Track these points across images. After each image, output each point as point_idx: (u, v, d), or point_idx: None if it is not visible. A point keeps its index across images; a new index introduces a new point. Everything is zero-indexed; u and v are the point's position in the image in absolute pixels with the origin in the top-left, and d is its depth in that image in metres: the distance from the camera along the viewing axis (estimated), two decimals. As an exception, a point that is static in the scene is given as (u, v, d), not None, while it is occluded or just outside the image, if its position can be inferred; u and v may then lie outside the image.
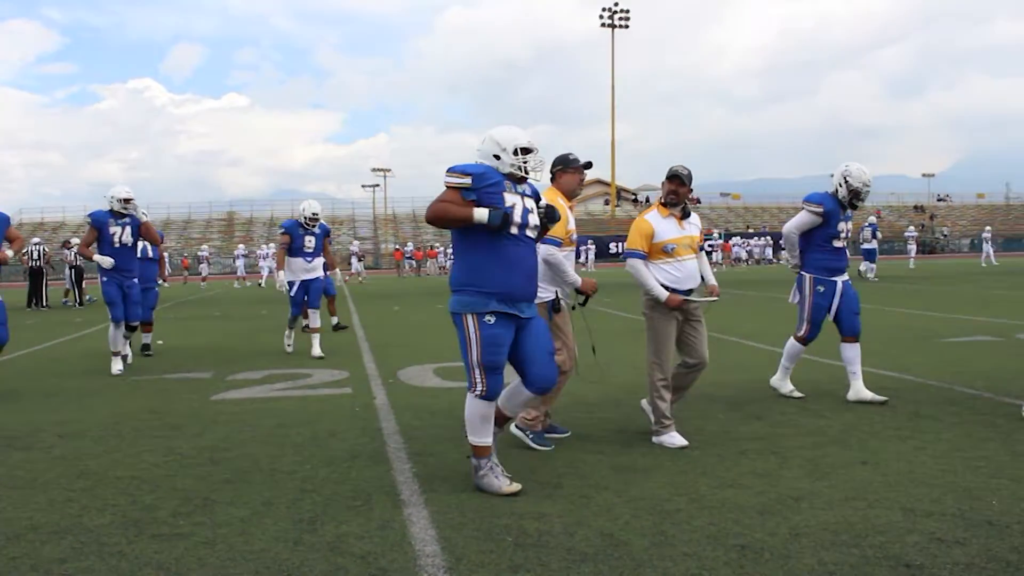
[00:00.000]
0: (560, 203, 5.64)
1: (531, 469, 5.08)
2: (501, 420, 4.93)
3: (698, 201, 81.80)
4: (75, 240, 25.69)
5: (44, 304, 23.34)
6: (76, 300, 24.53)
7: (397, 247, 59.21)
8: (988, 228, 43.73)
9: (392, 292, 29.01)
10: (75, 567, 3.68)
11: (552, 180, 5.89)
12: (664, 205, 5.95)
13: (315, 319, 11.11)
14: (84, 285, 25.60)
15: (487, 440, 4.74)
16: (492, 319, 4.60)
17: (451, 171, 4.62)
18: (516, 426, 5.98)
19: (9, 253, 8.30)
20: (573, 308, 5.85)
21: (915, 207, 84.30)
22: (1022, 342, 10.63)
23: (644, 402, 6.22)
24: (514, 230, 4.62)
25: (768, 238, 59.72)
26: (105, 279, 9.75)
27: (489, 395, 4.66)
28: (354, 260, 44.49)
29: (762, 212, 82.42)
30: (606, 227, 68.07)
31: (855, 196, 7.07)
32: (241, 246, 47.59)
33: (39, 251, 23.77)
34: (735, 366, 8.94)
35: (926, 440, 5.63)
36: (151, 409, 7.37)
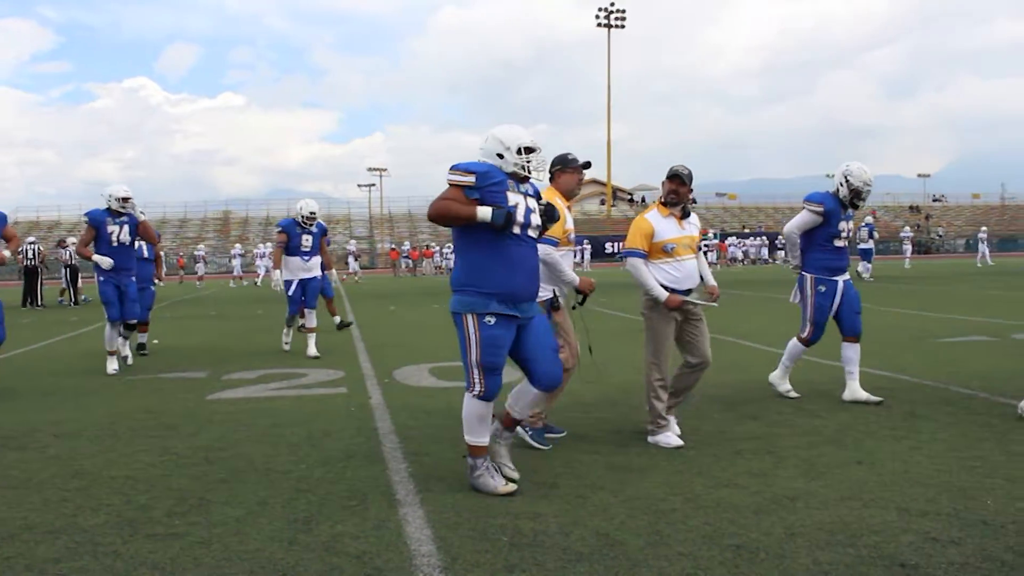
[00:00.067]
0: (558, 203, 5.64)
1: (527, 469, 5.07)
2: (510, 423, 4.92)
3: (694, 201, 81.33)
4: (72, 239, 25.65)
5: (39, 303, 23.31)
6: (72, 299, 24.49)
7: (393, 247, 59.18)
8: (984, 228, 43.78)
9: (388, 292, 29.00)
10: (70, 567, 3.67)
11: (551, 180, 5.88)
12: (664, 204, 5.94)
13: (311, 319, 11.08)
14: (80, 284, 25.56)
15: (484, 440, 4.73)
16: (492, 320, 4.58)
17: (454, 169, 4.60)
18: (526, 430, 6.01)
19: (6, 253, 8.26)
20: (573, 308, 5.84)
21: (910, 207, 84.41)
22: (1018, 342, 10.64)
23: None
24: (516, 230, 4.60)
25: (764, 238, 59.77)
26: (102, 279, 9.70)
27: (487, 396, 4.65)
28: (351, 259, 44.56)
29: (758, 212, 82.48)
30: (602, 227, 68.10)
31: (856, 195, 7.06)
32: (238, 245, 47.57)
33: (34, 250, 23.73)
34: (731, 366, 8.94)
35: (921, 440, 5.63)
36: (146, 409, 7.36)
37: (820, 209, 7.06)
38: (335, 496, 4.63)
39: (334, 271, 11.55)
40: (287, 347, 11.33)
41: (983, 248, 40.31)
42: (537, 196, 4.89)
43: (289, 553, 3.77)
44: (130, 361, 9.99)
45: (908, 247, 42.50)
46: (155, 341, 12.61)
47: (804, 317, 7.24)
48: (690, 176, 5.90)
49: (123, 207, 9.72)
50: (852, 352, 7.11)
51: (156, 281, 12.13)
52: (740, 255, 55.61)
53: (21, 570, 3.65)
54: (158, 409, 7.33)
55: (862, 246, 27.98)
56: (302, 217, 11.04)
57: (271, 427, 6.46)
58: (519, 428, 5.85)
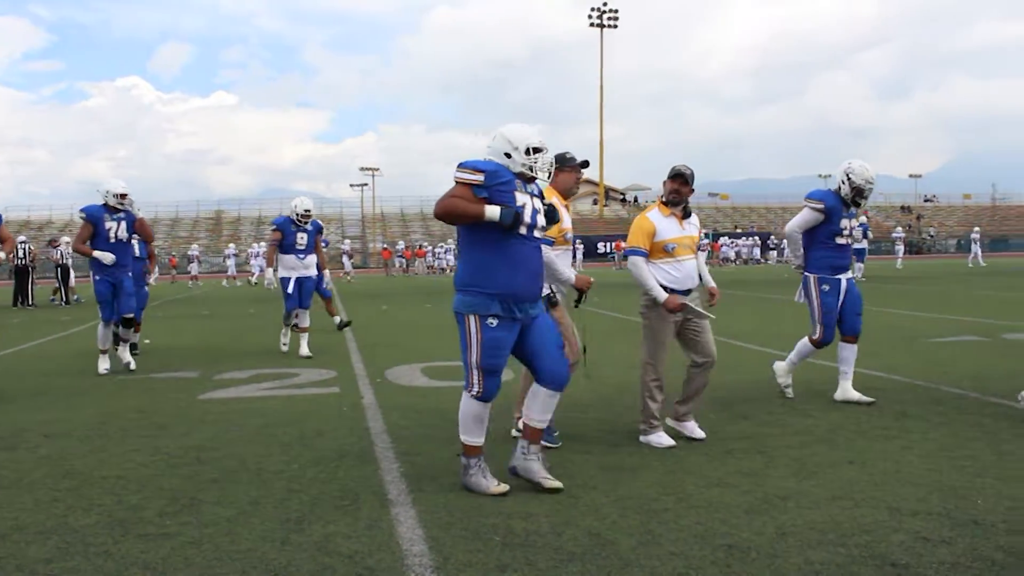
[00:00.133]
0: (556, 202, 5.64)
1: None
2: (535, 436, 4.76)
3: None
4: (65, 239, 25.58)
5: (30, 303, 23.23)
6: (63, 299, 24.42)
7: (385, 246, 59.12)
8: (977, 229, 43.92)
9: (380, 291, 28.97)
10: (61, 567, 3.66)
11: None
12: (665, 204, 5.92)
13: (304, 319, 11.04)
14: (73, 284, 25.50)
15: (479, 440, 4.72)
16: (495, 322, 4.55)
17: (463, 167, 4.57)
18: (518, 429, 6.00)
19: (0, 255, 8.17)
20: (576, 305, 5.82)
21: (902, 208, 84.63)
22: (1008, 342, 10.68)
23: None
24: (523, 230, 4.58)
25: (756, 238, 59.84)
26: (98, 277, 9.58)
27: (484, 397, 4.64)
28: (345, 259, 44.44)
29: (750, 212, 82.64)
30: (594, 227, 68.15)
31: (858, 193, 7.03)
32: (231, 245, 47.48)
33: (25, 249, 23.65)
34: (722, 366, 8.91)
35: (912, 440, 5.65)
36: (138, 408, 7.34)
37: (821, 207, 7.01)
38: (327, 496, 4.63)
39: (327, 272, 11.48)
40: (285, 348, 11.21)
41: (976, 248, 40.44)
42: (541, 196, 4.88)
43: (281, 553, 3.77)
44: (132, 366, 9.70)
45: (900, 247, 42.63)
46: (147, 341, 12.58)
47: (812, 319, 7.17)
48: (692, 176, 5.89)
49: (121, 203, 9.61)
50: (849, 352, 7.11)
51: (149, 281, 12.06)
52: (732, 255, 55.70)
53: (12, 570, 3.64)
54: (149, 409, 7.31)
55: (856, 246, 28.05)
56: (297, 215, 11.01)
57: (263, 427, 6.45)
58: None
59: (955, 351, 9.98)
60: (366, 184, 76.49)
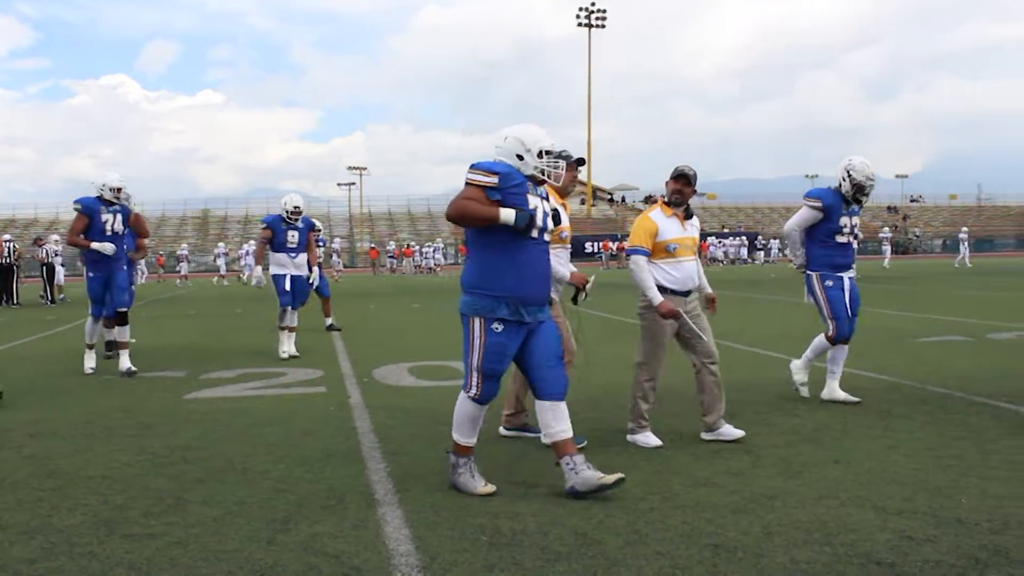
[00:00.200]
0: (554, 202, 5.63)
1: (506, 468, 5.08)
2: (568, 446, 4.61)
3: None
4: (55, 236, 25.42)
5: (15, 302, 23.11)
6: (48, 298, 24.29)
7: (372, 245, 59.04)
8: (965, 229, 44.14)
9: (368, 291, 28.93)
10: (45, 567, 3.64)
11: None
12: (668, 204, 5.89)
13: (292, 318, 10.95)
14: (61, 282, 25.38)
15: (471, 441, 4.71)
16: (500, 327, 4.51)
17: (476, 168, 4.51)
18: (505, 428, 6.00)
19: None
20: (576, 303, 5.79)
21: (888, 208, 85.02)
22: (993, 342, 10.74)
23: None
24: (534, 233, 4.55)
25: (744, 238, 60.01)
26: (91, 274, 9.45)
27: (482, 400, 4.61)
28: (335, 257, 44.44)
29: (737, 212, 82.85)
30: (582, 227, 68.20)
31: (859, 190, 6.95)
32: (221, 244, 47.37)
33: (9, 248, 23.52)
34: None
35: (898, 439, 5.67)
36: (123, 408, 7.31)
37: (819, 204, 6.95)
38: (314, 496, 4.62)
39: (316, 269, 11.29)
40: (285, 355, 10.63)
41: (964, 249, 40.68)
42: (548, 198, 4.84)
43: (267, 553, 3.76)
44: (134, 368, 9.35)
45: (887, 247, 42.82)
46: (132, 340, 12.51)
47: (823, 316, 7.05)
48: (695, 176, 5.86)
49: (116, 197, 9.47)
50: (839, 353, 7.09)
51: (136, 280, 11.96)
52: (720, 255, 55.83)
53: (-5, 571, 3.62)
54: (135, 408, 7.28)
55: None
56: (287, 212, 10.93)
57: (249, 427, 6.44)
58: (511, 431, 5.88)
59: (941, 351, 10.02)
60: (353, 183, 76.43)
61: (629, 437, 5.77)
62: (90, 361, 9.61)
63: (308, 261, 11.13)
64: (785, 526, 3.99)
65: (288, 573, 3.54)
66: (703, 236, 56.56)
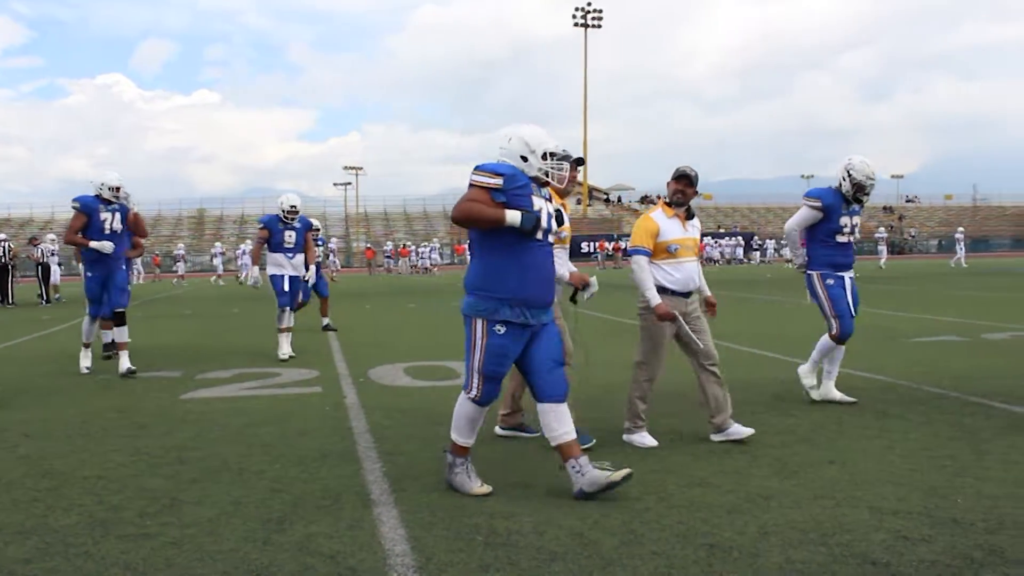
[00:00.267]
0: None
1: (501, 469, 5.08)
2: (573, 449, 4.58)
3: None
4: (51, 235, 25.36)
5: (11, 302, 23.07)
6: (43, 297, 24.24)
7: (368, 246, 59.01)
8: (961, 229, 44.24)
9: (363, 291, 28.92)
10: (40, 568, 3.64)
11: None
12: (669, 205, 5.88)
13: (290, 319, 10.87)
14: (57, 282, 25.33)
15: (468, 441, 4.70)
16: (502, 329, 4.49)
17: (480, 170, 4.48)
18: (501, 427, 5.99)
19: None
20: (572, 302, 5.78)
21: (884, 208, 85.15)
22: (988, 342, 10.75)
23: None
24: (539, 235, 4.52)
25: (739, 238, 60.07)
26: (91, 274, 9.36)
27: (482, 402, 4.60)
28: (331, 257, 44.51)
29: (733, 212, 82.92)
30: (577, 227, 68.25)
31: (859, 190, 6.90)
32: (218, 244, 47.34)
33: (5, 248, 23.48)
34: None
35: (894, 439, 5.68)
36: (119, 408, 7.30)
37: (818, 204, 6.92)
38: (309, 496, 4.62)
39: (313, 268, 11.14)
40: (284, 356, 10.50)
41: (960, 249, 40.77)
42: (551, 199, 4.81)
43: (263, 553, 3.76)
44: (134, 368, 9.25)
45: (883, 247, 42.90)
46: (128, 340, 12.49)
47: (825, 315, 7.00)
48: (697, 177, 5.85)
49: (115, 196, 9.38)
50: (838, 354, 7.08)
51: (131, 280, 11.91)
52: (716, 255, 55.88)
53: (-10, 571, 3.62)
54: (131, 408, 7.28)
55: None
56: (283, 211, 10.87)
57: (245, 427, 6.43)
58: (506, 430, 5.88)
59: (936, 351, 10.04)
60: (349, 183, 76.40)
61: (625, 437, 5.77)
62: (86, 360, 9.58)
63: (306, 261, 11.03)
64: (781, 526, 3.99)
65: (283, 573, 3.54)
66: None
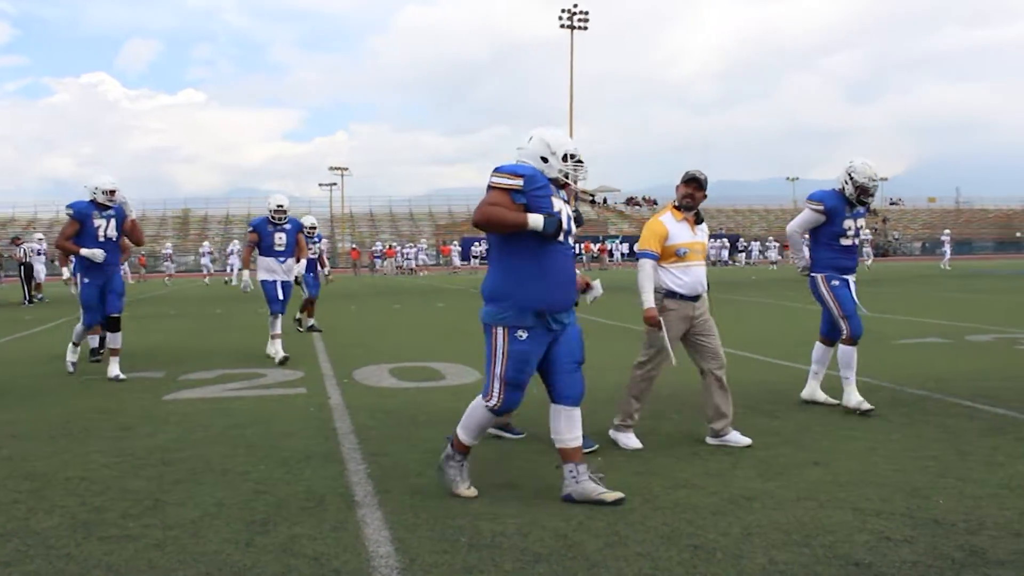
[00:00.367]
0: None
1: (486, 470, 5.07)
2: (575, 455, 4.56)
3: (655, 203, 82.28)
4: (37, 235, 25.18)
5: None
6: (26, 298, 24.09)
7: (354, 246, 58.87)
8: (947, 231, 44.54)
9: (348, 292, 28.86)
10: (21, 570, 3.61)
11: None
12: (678, 208, 5.87)
13: (277, 326, 10.66)
14: (42, 280, 25.19)
15: (473, 443, 4.67)
16: (524, 335, 4.42)
17: (500, 171, 4.42)
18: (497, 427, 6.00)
19: None
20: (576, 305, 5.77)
21: (869, 210, 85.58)
22: (971, 344, 10.82)
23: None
24: (560, 237, 4.46)
25: (725, 240, 60.20)
26: (87, 280, 9.09)
27: (501, 410, 4.53)
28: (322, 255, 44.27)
29: (719, 214, 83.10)
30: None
31: (863, 192, 6.81)
32: (206, 243, 47.16)
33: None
34: (687, 368, 8.98)
35: (877, 441, 5.70)
36: (102, 409, 7.26)
37: (820, 207, 6.83)
38: (293, 497, 4.60)
39: (301, 264, 10.93)
40: (278, 357, 10.29)
41: (947, 250, 41.12)
42: (568, 201, 4.76)
43: (246, 555, 3.74)
44: (123, 376, 9.02)
45: (869, 250, 43.18)
46: (120, 346, 12.41)
47: (835, 317, 6.86)
48: (706, 181, 5.84)
49: (110, 200, 9.17)
50: (826, 355, 7.08)
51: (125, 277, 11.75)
52: (701, 257, 55.95)
53: (-30, 573, 3.59)
54: (114, 409, 7.24)
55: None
56: (271, 212, 10.72)
57: (229, 428, 6.41)
58: (497, 430, 5.87)
59: (920, 353, 10.09)
60: (335, 184, 76.23)
61: (611, 433, 5.78)
62: (72, 356, 9.43)
63: (297, 259, 10.86)
64: (764, 527, 4.00)
65: (267, 575, 3.53)
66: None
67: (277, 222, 10.72)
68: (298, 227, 11.04)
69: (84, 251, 8.93)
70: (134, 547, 3.86)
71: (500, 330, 4.45)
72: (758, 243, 61.73)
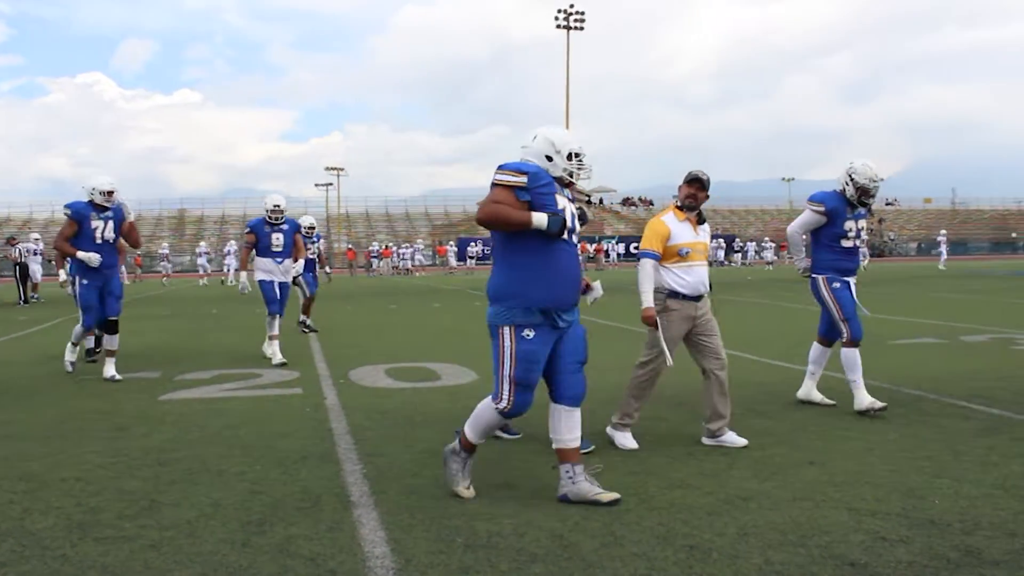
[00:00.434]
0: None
1: (482, 470, 5.06)
2: (572, 456, 4.57)
3: (651, 203, 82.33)
4: (34, 235, 25.12)
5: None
6: (21, 298, 24.04)
7: (350, 246, 58.83)
8: (943, 232, 44.63)
9: (344, 292, 28.84)
10: (16, 571, 3.61)
11: None
12: (680, 208, 5.87)
13: (275, 327, 10.61)
14: (39, 280, 25.14)
15: (480, 441, 4.65)
16: (531, 333, 4.40)
17: (504, 169, 4.41)
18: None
19: None
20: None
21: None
22: (966, 344, 10.83)
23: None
24: (564, 235, 4.45)
25: (721, 240, 60.21)
26: (85, 281, 9.02)
27: (512, 412, 4.48)
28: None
29: (714, 215, 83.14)
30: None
31: (864, 193, 6.78)
32: (202, 244, 47.08)
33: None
34: (683, 368, 8.98)
35: (872, 441, 5.71)
36: (97, 409, 7.25)
37: (821, 209, 6.81)
38: (289, 498, 4.60)
39: (299, 264, 10.87)
40: (275, 359, 10.22)
41: (943, 251, 41.22)
42: (572, 199, 4.76)
43: (242, 555, 3.74)
44: (118, 377, 8.98)
45: (865, 250, 43.26)
46: (117, 348, 12.39)
47: (835, 319, 6.84)
48: (709, 181, 5.83)
49: (108, 201, 9.07)
50: (823, 356, 7.08)
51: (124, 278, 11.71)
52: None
53: (-34, 574, 3.58)
54: (109, 410, 7.23)
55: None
56: (267, 212, 10.65)
57: (225, 428, 6.40)
58: (504, 431, 5.87)
59: (915, 353, 10.10)
60: (331, 184, 76.16)
61: (608, 430, 5.79)
62: (71, 355, 9.40)
63: (294, 259, 10.78)
64: (760, 527, 4.00)
65: (262, 575, 3.53)
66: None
67: (274, 222, 10.66)
68: (295, 227, 10.97)
69: (80, 254, 8.88)
70: (130, 548, 3.85)
71: (507, 330, 4.43)
72: (754, 243, 61.77)
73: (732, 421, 5.85)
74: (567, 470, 4.51)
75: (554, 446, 4.66)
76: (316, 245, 14.77)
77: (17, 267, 24.58)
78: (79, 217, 8.97)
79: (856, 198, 6.82)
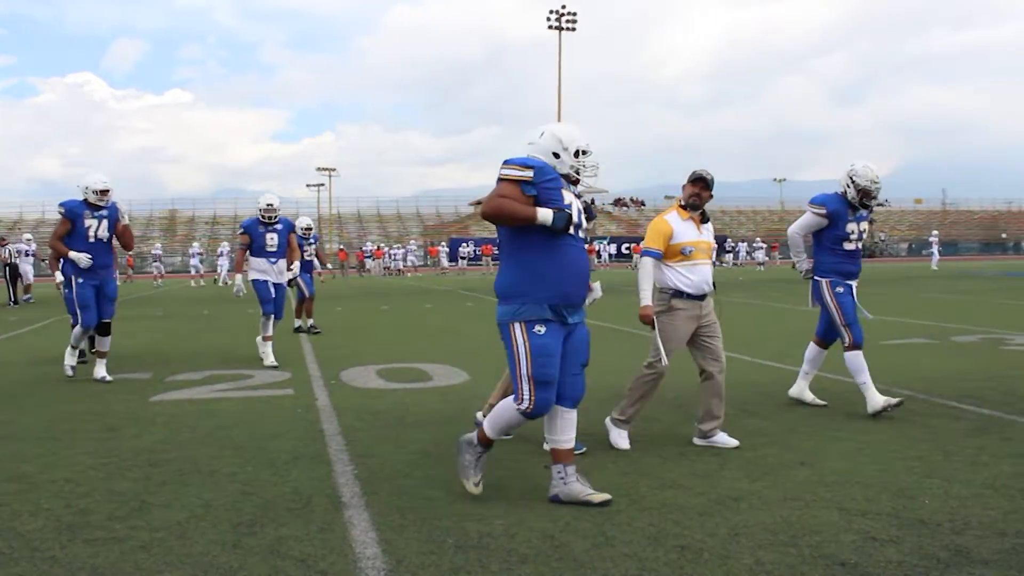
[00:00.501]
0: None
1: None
2: (566, 456, 4.55)
3: (642, 204, 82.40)
4: (26, 235, 25.00)
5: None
6: (11, 299, 23.96)
7: (341, 247, 58.76)
8: (935, 233, 44.78)
9: (335, 293, 28.81)
10: (5, 573, 3.59)
11: None
12: (684, 208, 5.87)
13: (269, 328, 10.52)
14: (31, 281, 25.05)
15: (496, 438, 4.62)
16: (543, 329, 4.36)
17: (510, 163, 4.38)
18: (483, 416, 5.98)
19: None
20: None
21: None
22: (957, 344, 10.87)
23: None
24: (571, 230, 4.43)
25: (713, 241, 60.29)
26: (81, 280, 8.93)
27: (534, 413, 4.40)
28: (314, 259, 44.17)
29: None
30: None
31: (865, 195, 6.76)
32: (195, 244, 46.97)
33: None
34: (675, 368, 8.98)
35: (863, 441, 5.73)
36: (88, 410, 7.23)
37: (823, 211, 6.80)
38: (280, 499, 4.59)
39: (295, 266, 10.80)
40: (268, 361, 10.14)
41: (935, 252, 41.36)
42: (580, 196, 4.72)
43: (232, 556, 3.73)
44: (109, 378, 8.95)
45: (860, 250, 43.47)
46: (108, 350, 12.35)
47: (836, 324, 6.81)
48: (712, 181, 5.83)
49: (102, 200, 8.98)
50: (819, 357, 7.09)
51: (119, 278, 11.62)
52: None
53: (-45, 576, 3.57)
54: (100, 411, 7.21)
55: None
56: (260, 211, 10.55)
57: (216, 429, 6.39)
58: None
59: (906, 354, 10.13)
60: (323, 184, 76.06)
61: (607, 421, 5.80)
62: (71, 359, 9.29)
63: (289, 260, 10.70)
64: (751, 527, 4.01)
65: (253, 577, 3.52)
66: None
67: (268, 222, 10.57)
68: (290, 227, 10.86)
69: (72, 254, 8.83)
70: (120, 549, 3.84)
71: (518, 327, 4.39)
72: (745, 244, 61.88)
73: (724, 421, 5.85)
74: (559, 471, 4.51)
75: (548, 446, 4.66)
76: (313, 246, 14.78)
77: (7, 268, 24.48)
78: (72, 215, 8.90)
79: (857, 200, 6.80)
